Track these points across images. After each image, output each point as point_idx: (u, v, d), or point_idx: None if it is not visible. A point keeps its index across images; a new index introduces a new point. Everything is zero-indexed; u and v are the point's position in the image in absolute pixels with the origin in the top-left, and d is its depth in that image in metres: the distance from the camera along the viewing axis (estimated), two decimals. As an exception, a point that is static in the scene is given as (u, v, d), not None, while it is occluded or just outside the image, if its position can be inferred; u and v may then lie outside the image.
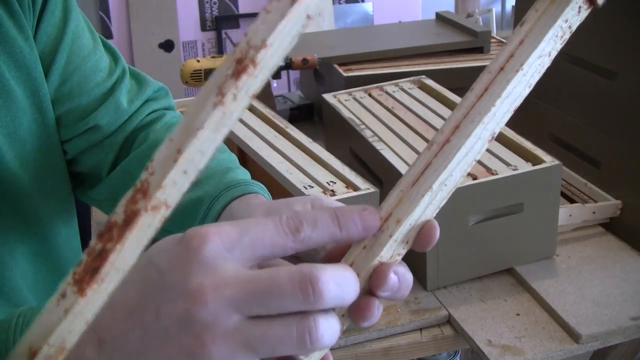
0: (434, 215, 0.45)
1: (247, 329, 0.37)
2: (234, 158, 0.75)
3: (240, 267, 0.38)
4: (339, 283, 0.38)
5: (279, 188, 0.90)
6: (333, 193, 0.83)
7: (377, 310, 0.42)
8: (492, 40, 1.56)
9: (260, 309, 0.37)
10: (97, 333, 0.39)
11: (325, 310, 0.39)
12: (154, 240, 0.38)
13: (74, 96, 0.76)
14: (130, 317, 0.38)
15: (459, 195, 0.91)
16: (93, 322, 0.37)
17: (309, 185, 0.85)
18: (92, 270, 0.35)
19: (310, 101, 1.60)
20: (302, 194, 0.82)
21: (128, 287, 0.38)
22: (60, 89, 0.75)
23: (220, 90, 0.36)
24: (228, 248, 0.38)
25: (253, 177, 0.68)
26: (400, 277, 0.42)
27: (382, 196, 0.86)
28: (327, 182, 0.86)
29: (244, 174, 0.70)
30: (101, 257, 0.35)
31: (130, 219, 0.35)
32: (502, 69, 0.46)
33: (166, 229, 0.59)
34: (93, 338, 0.39)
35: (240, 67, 0.36)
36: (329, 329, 0.39)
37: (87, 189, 0.82)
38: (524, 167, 0.95)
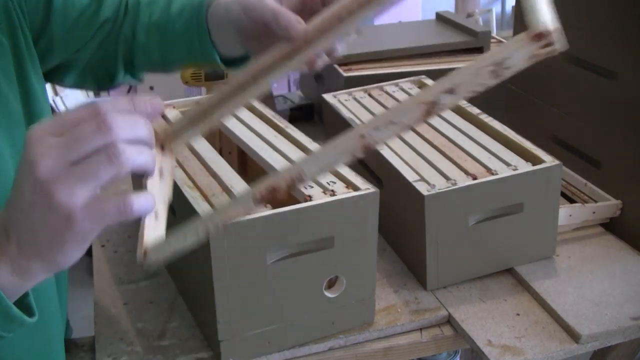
0: None
1: (74, 169, 0.49)
2: None
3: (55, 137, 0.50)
4: (127, 119, 0.50)
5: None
6: (333, 193, 0.83)
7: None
8: (492, 40, 1.56)
9: (76, 153, 0.49)
10: (3, 225, 0.53)
11: (129, 140, 0.50)
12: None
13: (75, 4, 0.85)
14: (18, 211, 0.52)
15: (459, 195, 0.91)
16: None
17: (309, 185, 0.85)
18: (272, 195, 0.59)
19: (310, 101, 1.60)
20: (302, 194, 0.83)
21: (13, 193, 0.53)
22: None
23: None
24: (49, 133, 0.50)
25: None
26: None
27: (382, 196, 0.86)
28: (327, 182, 0.86)
29: None
30: (273, 194, 0.59)
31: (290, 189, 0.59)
32: None
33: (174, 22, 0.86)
34: (2, 231, 0.53)
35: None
36: (134, 151, 0.50)
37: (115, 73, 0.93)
38: (524, 167, 0.95)
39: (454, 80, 0.53)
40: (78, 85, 0.94)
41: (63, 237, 0.51)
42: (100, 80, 0.93)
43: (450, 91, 0.53)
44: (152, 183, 0.58)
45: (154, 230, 0.58)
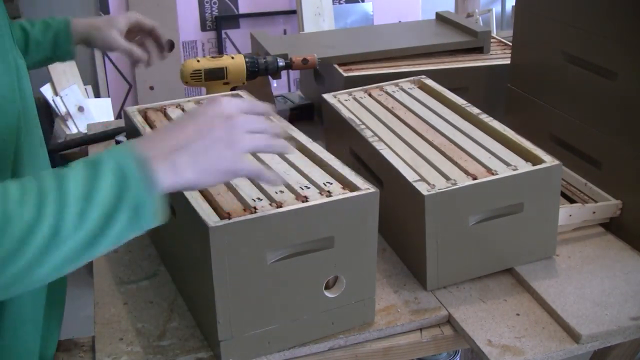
0: None
1: (250, 134, 0.72)
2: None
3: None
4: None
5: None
6: (329, 194, 0.83)
7: None
8: (492, 40, 1.56)
9: (253, 127, 0.73)
10: (169, 147, 0.67)
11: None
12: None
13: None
14: (194, 134, 0.69)
15: (459, 195, 0.91)
16: (165, 143, 0.68)
17: (305, 186, 0.85)
18: None
19: (310, 101, 1.60)
20: (299, 195, 0.83)
21: (183, 123, 0.71)
22: None
23: None
24: (239, 109, 0.74)
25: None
26: None
27: (382, 196, 0.86)
28: (324, 183, 0.86)
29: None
30: None
31: None
32: None
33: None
34: (167, 150, 0.67)
35: None
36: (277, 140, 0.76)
37: None
38: (524, 167, 0.95)
39: None
40: None
41: (221, 156, 0.70)
42: None
43: None
44: None
45: None
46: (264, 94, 1.44)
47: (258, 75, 1.38)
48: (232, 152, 0.70)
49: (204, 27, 3.29)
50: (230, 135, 0.70)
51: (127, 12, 1.22)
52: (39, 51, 1.16)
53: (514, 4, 1.77)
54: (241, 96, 1.14)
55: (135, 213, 0.62)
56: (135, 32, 1.23)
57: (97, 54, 3.10)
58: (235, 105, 0.73)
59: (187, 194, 0.83)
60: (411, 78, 1.26)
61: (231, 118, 0.71)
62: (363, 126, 1.09)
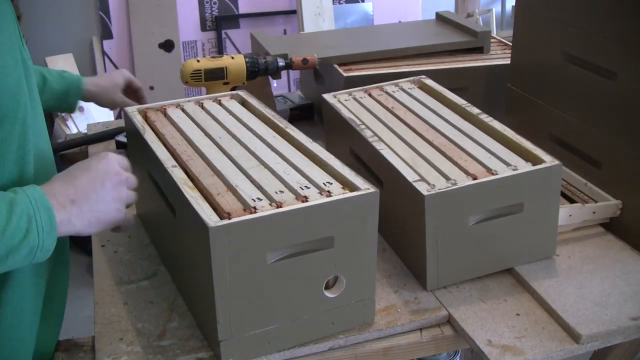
0: None
1: (129, 191, 0.86)
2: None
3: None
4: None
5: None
6: (329, 194, 0.83)
7: None
8: (492, 40, 1.56)
9: (132, 185, 0.87)
10: (69, 197, 0.79)
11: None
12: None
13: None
14: (88, 187, 0.81)
15: (459, 195, 0.91)
16: (66, 192, 0.79)
17: (305, 186, 0.85)
18: None
19: (310, 101, 1.60)
20: (299, 195, 0.83)
21: (78, 176, 0.81)
22: None
23: None
24: (120, 165, 0.86)
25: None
26: None
27: (382, 196, 0.86)
28: (324, 183, 0.86)
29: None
30: None
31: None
32: None
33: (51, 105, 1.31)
34: (67, 200, 0.78)
35: None
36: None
37: None
38: (524, 167, 0.95)
39: None
40: None
41: (107, 210, 0.82)
42: None
43: None
44: None
45: None
46: (264, 94, 1.44)
47: (258, 75, 1.38)
48: (116, 206, 0.83)
49: (204, 27, 3.29)
50: (117, 191, 0.83)
51: (122, 71, 1.42)
52: (50, 99, 1.27)
53: (514, 4, 1.77)
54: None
55: (31, 252, 0.75)
56: (125, 88, 1.41)
57: (97, 55, 3.10)
58: (120, 163, 0.86)
59: (187, 194, 0.83)
60: (411, 78, 1.26)
61: (119, 175, 0.84)
62: (363, 126, 1.09)
